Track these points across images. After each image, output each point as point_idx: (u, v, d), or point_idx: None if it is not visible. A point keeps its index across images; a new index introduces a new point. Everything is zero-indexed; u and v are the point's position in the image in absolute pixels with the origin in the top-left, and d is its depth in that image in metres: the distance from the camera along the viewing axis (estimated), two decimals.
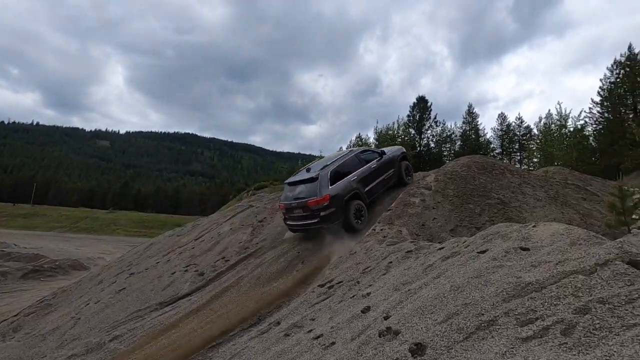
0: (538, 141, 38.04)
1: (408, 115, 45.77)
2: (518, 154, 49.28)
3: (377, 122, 47.09)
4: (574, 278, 1.83)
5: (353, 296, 3.92)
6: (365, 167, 7.83)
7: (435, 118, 45.89)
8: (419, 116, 45.63)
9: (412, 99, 47.08)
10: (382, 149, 9.27)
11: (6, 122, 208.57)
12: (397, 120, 38.34)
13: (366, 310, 3.16)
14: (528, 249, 2.60)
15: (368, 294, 3.66)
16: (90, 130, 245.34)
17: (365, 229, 6.96)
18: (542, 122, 39.69)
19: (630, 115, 26.77)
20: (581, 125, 29.93)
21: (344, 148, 50.43)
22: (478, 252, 3.01)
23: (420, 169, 37.36)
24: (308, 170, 7.73)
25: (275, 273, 6.45)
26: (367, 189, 7.58)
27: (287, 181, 7.94)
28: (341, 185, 7.09)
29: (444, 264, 3.23)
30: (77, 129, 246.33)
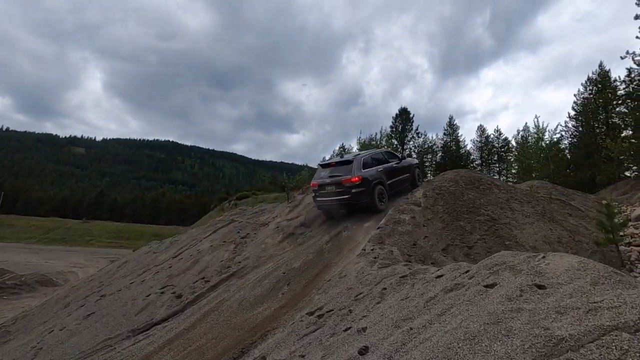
0: (516, 153, 39.17)
1: (391, 126, 46.28)
2: (497, 165, 50.62)
3: (361, 133, 47.41)
4: (616, 336, 1.57)
5: (347, 329, 3.58)
6: (388, 164, 9.14)
7: (417, 129, 46.58)
8: (401, 127, 46.22)
9: (394, 110, 47.79)
10: (401, 155, 10.90)
11: None
12: (381, 131, 38.57)
13: (364, 351, 2.84)
14: (544, 287, 2.36)
15: (364, 328, 3.34)
16: (65, 137, 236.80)
17: (386, 208, 8.11)
18: (520, 135, 41.05)
19: (603, 129, 27.83)
20: (557, 138, 30.96)
21: (327, 158, 50.56)
22: (485, 286, 2.76)
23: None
24: (342, 156, 9.11)
25: (259, 297, 6.04)
26: (389, 181, 8.78)
27: (320, 163, 9.32)
28: (371, 171, 8.25)
29: (447, 298, 2.96)
30: (50, 135, 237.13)
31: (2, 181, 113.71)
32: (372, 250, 5.90)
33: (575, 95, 31.10)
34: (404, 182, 9.72)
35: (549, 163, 29.04)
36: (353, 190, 7.83)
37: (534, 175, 31.98)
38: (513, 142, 43.45)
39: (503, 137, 49.88)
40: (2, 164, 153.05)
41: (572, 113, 30.90)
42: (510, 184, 14.42)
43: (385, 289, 4.25)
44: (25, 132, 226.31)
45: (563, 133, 30.85)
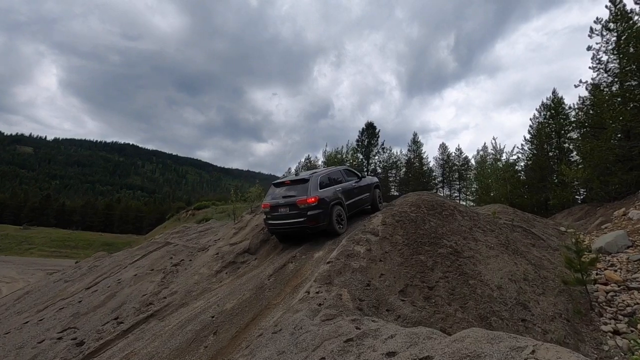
0: (475, 172, 40.34)
1: (357, 141, 46.25)
2: (457, 183, 52.05)
3: (327, 145, 47.00)
4: None
5: None
6: (347, 183, 8.62)
7: (382, 144, 46.94)
8: (367, 142, 46.34)
9: (362, 124, 47.89)
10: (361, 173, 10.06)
11: None
12: (347, 145, 38.28)
13: None
14: None
15: None
16: (11, 134, 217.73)
17: (345, 233, 7.60)
18: (479, 154, 42.41)
19: (556, 153, 29.11)
20: (514, 160, 32.07)
21: (293, 169, 49.41)
22: None
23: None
24: (297, 174, 8.24)
25: (176, 350, 4.81)
26: (348, 202, 8.23)
27: (274, 182, 8.22)
28: (328, 191, 7.65)
29: None
30: None
31: None
32: (317, 293, 4.90)
33: (530, 119, 32.49)
34: (364, 202, 9.20)
35: (506, 184, 29.89)
36: (309, 213, 7.11)
37: (492, 194, 32.87)
38: (473, 161, 44.90)
39: (463, 155, 51.60)
40: None
41: (528, 136, 32.25)
42: (473, 206, 14.19)
43: (324, 359, 3.26)
44: None
45: (519, 155, 32.00)
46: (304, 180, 7.52)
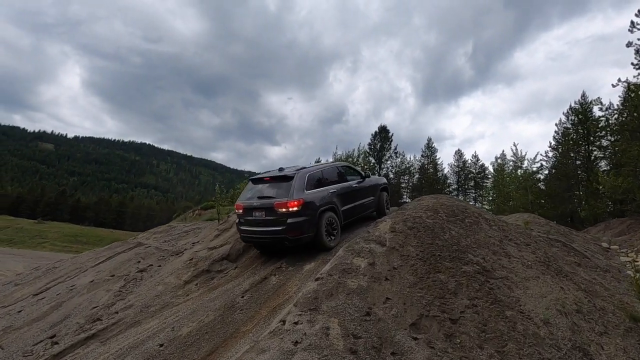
0: (493, 180, 38.20)
1: (369, 144, 44.72)
2: (473, 191, 49.76)
3: (337, 148, 45.51)
4: None
5: None
6: (345, 183, 7.08)
7: (395, 149, 45.31)
8: (379, 145, 44.80)
9: (376, 130, 46.28)
10: (364, 172, 8.41)
11: None
12: (358, 148, 36.77)
13: None
14: None
15: None
16: (33, 131, 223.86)
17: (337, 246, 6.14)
18: (497, 162, 40.25)
19: (584, 161, 26.96)
20: (537, 168, 29.97)
21: None
22: None
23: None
24: (281, 170, 6.42)
25: None
26: (344, 207, 6.71)
27: (252, 177, 6.66)
28: (318, 193, 6.15)
29: None
30: (17, 128, 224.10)
31: None
32: (295, 324, 3.52)
33: (556, 124, 30.40)
34: (367, 207, 7.64)
35: (527, 193, 27.88)
36: (289, 220, 5.55)
37: (510, 203, 30.85)
38: (490, 169, 42.67)
39: (480, 163, 49.39)
40: None
41: (553, 143, 30.14)
42: (501, 217, 12.42)
43: None
44: None
45: (543, 162, 29.87)
46: (287, 178, 5.95)
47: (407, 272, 4.72)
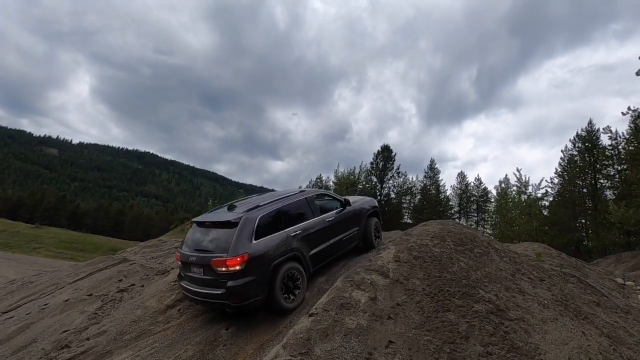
0: (497, 204, 37.65)
1: (371, 163, 44.42)
2: (476, 214, 49.07)
3: (339, 165, 45.23)
4: None
5: None
6: (317, 218, 5.67)
7: (398, 169, 45.01)
8: (382, 165, 44.50)
9: (379, 149, 46.04)
10: (347, 197, 6.93)
11: None
12: (360, 166, 36.44)
13: None
14: None
15: None
16: (39, 136, 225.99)
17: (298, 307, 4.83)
18: (501, 186, 39.75)
19: (590, 189, 26.47)
20: (542, 194, 29.46)
21: (303, 187, 47.70)
22: None
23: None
24: (232, 208, 5.17)
25: None
26: (314, 251, 5.36)
27: (196, 220, 5.27)
28: (273, 240, 4.81)
29: None
30: (23, 132, 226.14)
31: None
32: None
33: (562, 151, 30.07)
34: (349, 242, 6.24)
35: (531, 220, 27.28)
36: (230, 283, 4.28)
37: (514, 228, 30.18)
38: (493, 192, 42.11)
39: (483, 186, 48.89)
40: None
41: (558, 169, 29.72)
42: (509, 247, 11.70)
43: None
44: None
45: (548, 189, 29.36)
46: (231, 224, 4.60)
47: (413, 310, 4.21)
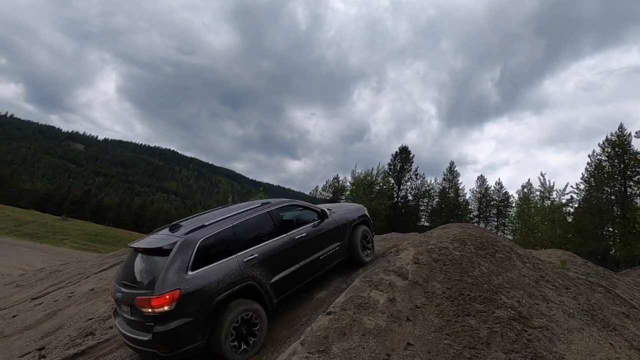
0: (519, 209, 36.56)
1: (389, 164, 44.08)
2: (495, 219, 47.83)
3: (356, 166, 44.98)
4: None
5: None
6: (284, 236, 4.64)
7: (416, 171, 44.47)
8: (400, 166, 44.05)
9: (397, 150, 45.55)
10: (327, 206, 6.14)
11: None
12: (378, 167, 36.18)
13: None
14: None
15: None
16: (67, 131, 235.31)
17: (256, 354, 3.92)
18: (523, 191, 38.57)
19: (618, 196, 25.38)
20: (566, 200, 28.43)
21: (320, 188, 47.69)
22: None
23: (395, 224, 34.88)
24: (174, 228, 4.25)
25: None
26: (279, 277, 4.37)
27: (131, 244, 4.30)
28: (218, 269, 3.83)
29: None
30: (52, 127, 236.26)
31: None
32: None
33: (589, 155, 28.96)
34: (328, 260, 5.25)
35: (555, 226, 26.38)
36: (157, 329, 3.48)
37: (537, 235, 29.28)
38: (515, 197, 40.93)
39: (504, 190, 47.56)
40: None
41: (585, 175, 28.61)
42: (532, 253, 11.19)
43: None
44: (29, 121, 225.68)
45: (573, 195, 28.31)
46: (163, 251, 3.76)
47: (432, 313, 4.14)
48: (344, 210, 6.08)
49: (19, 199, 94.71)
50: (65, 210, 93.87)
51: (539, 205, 32.06)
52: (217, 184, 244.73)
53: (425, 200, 46.21)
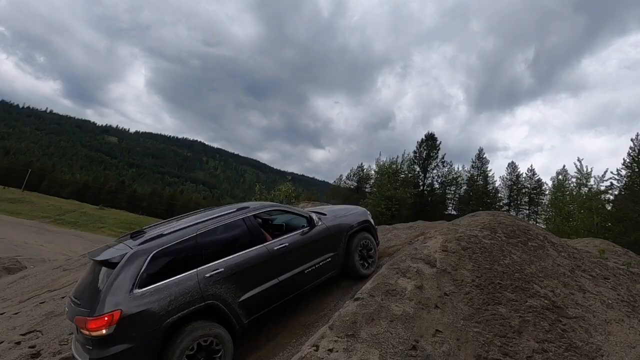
0: (552, 197, 34.97)
1: (414, 152, 43.23)
2: (527, 207, 46.03)
3: (380, 154, 44.44)
4: None
5: None
6: (258, 247, 4.03)
7: (442, 158, 43.30)
8: (426, 154, 43.08)
9: (423, 137, 44.47)
10: (324, 209, 5.66)
11: (20, 106, 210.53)
12: (403, 155, 35.54)
13: None
14: None
15: None
16: (101, 125, 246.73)
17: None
18: (558, 177, 36.80)
19: None
20: (606, 187, 26.88)
21: (344, 177, 47.53)
22: None
23: (421, 213, 34.29)
24: (136, 235, 3.76)
25: None
26: (248, 295, 3.78)
27: (90, 252, 3.88)
28: (171, 287, 3.35)
29: None
30: (88, 121, 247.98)
31: (35, 160, 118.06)
32: (329, 352, 3.10)
33: (632, 139, 27.14)
34: (315, 275, 4.54)
35: (592, 214, 25.08)
36: (95, 354, 3.11)
37: (572, 224, 27.99)
38: (549, 183, 39.12)
39: (536, 177, 45.56)
40: (39, 143, 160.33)
41: (627, 160, 26.85)
42: (567, 242, 10.60)
43: None
44: (67, 116, 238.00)
45: (614, 181, 26.70)
46: (109, 265, 3.35)
47: (461, 301, 4.10)
48: (341, 214, 5.33)
49: (60, 190, 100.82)
50: (102, 200, 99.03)
51: (575, 193, 30.55)
52: (243, 174, 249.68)
53: (453, 188, 45.08)
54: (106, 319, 3.00)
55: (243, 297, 3.73)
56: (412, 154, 42.33)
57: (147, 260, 3.34)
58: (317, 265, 4.55)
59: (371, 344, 3.25)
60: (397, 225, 9.49)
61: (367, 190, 41.91)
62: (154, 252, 3.41)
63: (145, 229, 4.03)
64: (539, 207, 42.84)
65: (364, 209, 5.93)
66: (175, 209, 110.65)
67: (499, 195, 45.80)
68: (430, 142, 43.38)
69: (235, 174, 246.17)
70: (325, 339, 3.27)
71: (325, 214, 5.19)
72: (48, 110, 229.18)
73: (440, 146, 43.64)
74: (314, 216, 4.79)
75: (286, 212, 4.92)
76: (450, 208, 44.87)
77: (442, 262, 4.75)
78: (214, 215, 4.04)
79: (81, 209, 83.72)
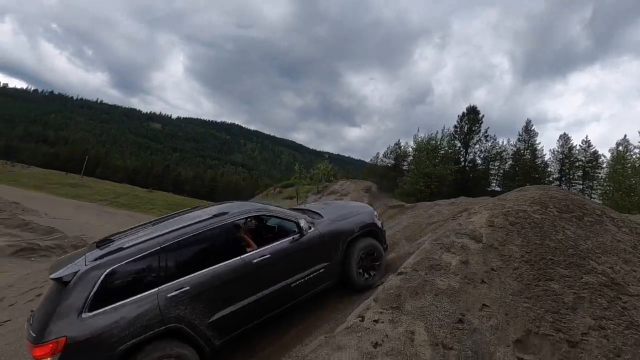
0: (611, 170, 32.16)
1: (455, 126, 41.32)
2: (581, 182, 42.78)
3: (418, 130, 42.93)
4: None
5: None
6: (235, 260, 3.59)
7: (485, 132, 41.04)
8: (467, 128, 41.02)
9: (464, 111, 42.27)
10: (321, 208, 5.10)
11: (74, 98, 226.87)
12: (442, 131, 34.14)
13: None
14: None
15: None
16: (146, 113, 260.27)
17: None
18: (618, 149, 33.66)
19: None
20: None
21: (381, 155, 46.73)
22: None
23: (463, 190, 33.06)
24: (103, 245, 3.45)
25: None
26: (221, 314, 3.41)
27: (51, 267, 3.43)
28: (125, 310, 3.02)
29: None
30: (134, 109, 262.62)
31: (90, 148, 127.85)
32: (375, 322, 3.18)
33: None
34: (304, 288, 4.07)
35: None
36: None
37: (633, 198, 25.83)
38: (607, 155, 35.86)
39: (592, 150, 41.91)
40: (93, 132, 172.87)
41: None
42: (629, 217, 9.70)
43: None
44: (115, 105, 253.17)
45: None
46: (61, 283, 3.02)
47: (510, 277, 3.99)
48: (341, 215, 4.69)
49: (113, 175, 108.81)
50: (151, 184, 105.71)
51: (637, 165, 27.95)
52: (280, 155, 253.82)
53: (497, 163, 42.84)
54: (50, 346, 2.75)
55: (214, 317, 3.36)
56: (452, 129, 40.61)
57: (100, 279, 3.00)
58: (307, 278, 4.04)
59: (416, 316, 3.28)
60: (438, 201, 9.29)
61: (404, 167, 41.06)
62: (109, 269, 3.06)
63: (114, 236, 3.73)
64: (595, 182, 39.76)
65: (371, 208, 5.30)
66: (218, 191, 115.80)
67: (549, 169, 42.94)
68: (472, 116, 41.20)
69: (272, 155, 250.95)
70: (371, 310, 3.36)
71: (322, 216, 4.64)
72: (98, 101, 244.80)
73: (483, 119, 41.35)
74: (302, 222, 4.12)
75: (271, 217, 4.37)
76: (494, 184, 42.86)
77: (488, 237, 4.61)
78: (186, 224, 3.57)
79: (133, 192, 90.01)
